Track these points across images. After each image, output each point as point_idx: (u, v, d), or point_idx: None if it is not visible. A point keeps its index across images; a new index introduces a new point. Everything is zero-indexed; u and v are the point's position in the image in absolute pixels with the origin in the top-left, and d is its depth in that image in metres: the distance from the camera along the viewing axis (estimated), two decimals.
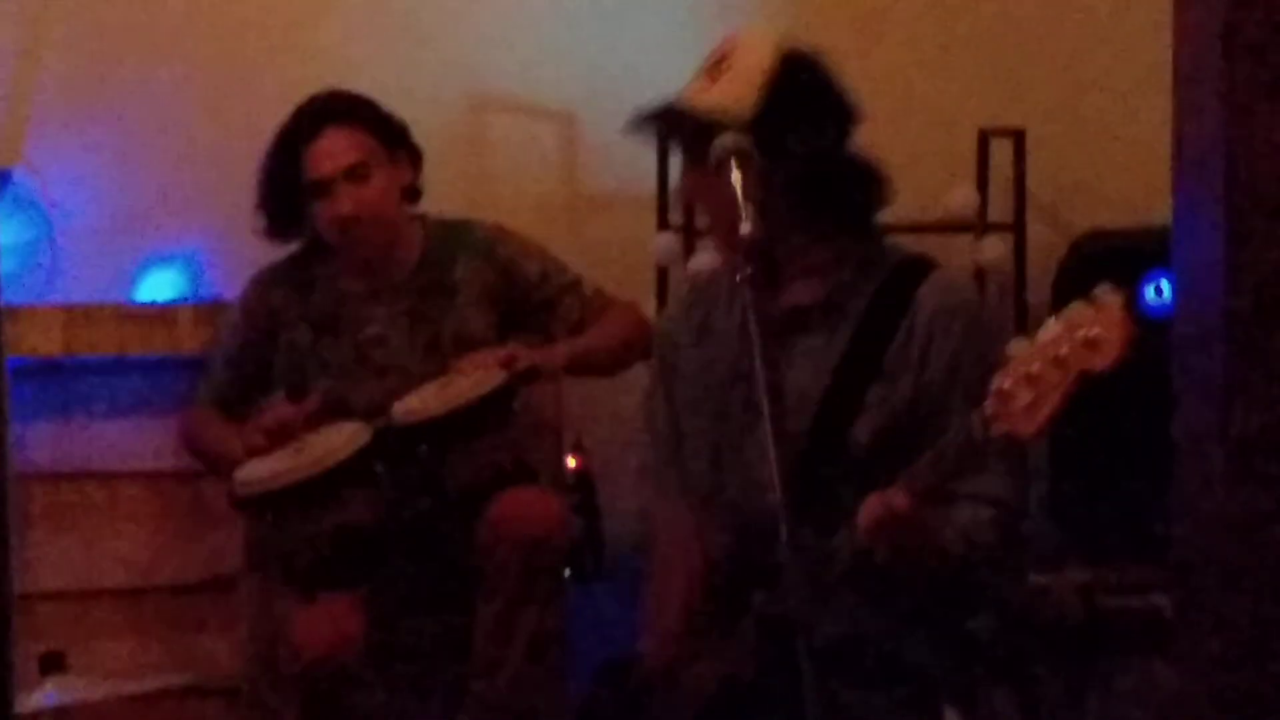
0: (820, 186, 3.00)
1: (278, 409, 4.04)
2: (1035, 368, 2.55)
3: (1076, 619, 4.55)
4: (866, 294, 3.02)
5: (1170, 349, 1.53)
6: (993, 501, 2.92)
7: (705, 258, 4.45)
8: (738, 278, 2.66)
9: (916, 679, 3.01)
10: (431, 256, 4.14)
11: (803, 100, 2.98)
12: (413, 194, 4.18)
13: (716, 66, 2.97)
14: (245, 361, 4.16)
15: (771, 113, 2.93)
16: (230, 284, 4.51)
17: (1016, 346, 2.61)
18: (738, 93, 2.93)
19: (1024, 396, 2.55)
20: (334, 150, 4.03)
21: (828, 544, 2.89)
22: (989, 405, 2.61)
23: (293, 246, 4.20)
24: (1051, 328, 2.55)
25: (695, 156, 2.97)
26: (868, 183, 3.06)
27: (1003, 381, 2.59)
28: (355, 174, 4.03)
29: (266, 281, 4.18)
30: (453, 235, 4.17)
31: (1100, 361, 2.41)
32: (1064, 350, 2.50)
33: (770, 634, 2.88)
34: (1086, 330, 2.47)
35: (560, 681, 4.04)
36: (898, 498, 2.74)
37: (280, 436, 3.95)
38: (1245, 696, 1.47)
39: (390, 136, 4.11)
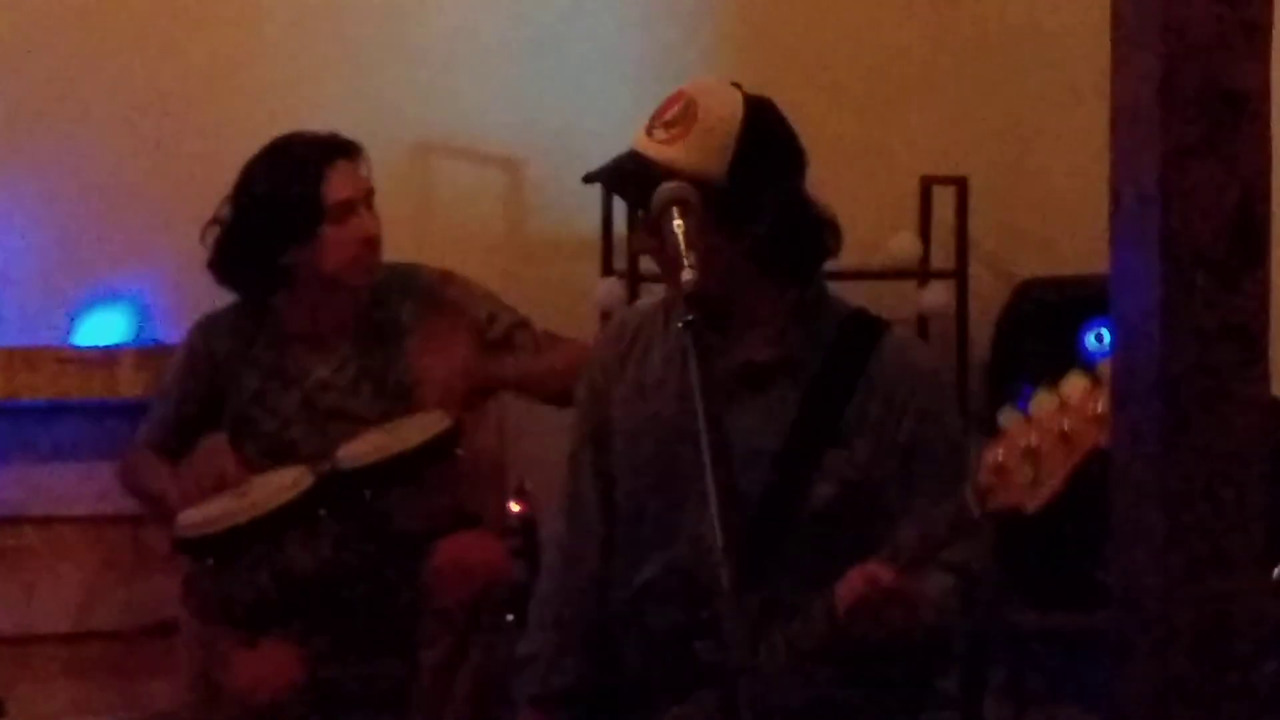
0: (786, 240, 2.98)
1: (218, 455, 4.02)
2: (1034, 441, 2.53)
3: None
4: (820, 351, 2.99)
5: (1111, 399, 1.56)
6: (959, 569, 2.89)
7: (649, 303, 4.46)
8: (680, 324, 2.65)
9: None
10: (378, 301, 4.13)
11: (771, 154, 2.97)
12: None
13: (681, 120, 2.91)
14: (187, 405, 4.14)
15: (744, 170, 2.91)
16: (173, 327, 4.50)
17: (1007, 418, 2.60)
18: (708, 151, 2.89)
19: (1023, 471, 2.54)
20: (355, 174, 4.03)
21: (795, 617, 2.84)
22: (983, 478, 2.60)
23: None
24: (1047, 401, 2.54)
25: (646, 213, 2.90)
26: (824, 233, 3.05)
27: (996, 454, 2.58)
28: (370, 199, 4.04)
29: (212, 327, 4.17)
30: (398, 279, 4.16)
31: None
32: (1068, 425, 2.48)
33: (712, 682, 2.85)
34: (1095, 405, 2.45)
35: None
36: (883, 573, 2.70)
37: (224, 481, 3.95)
38: None
39: None
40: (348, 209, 4.00)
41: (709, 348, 2.85)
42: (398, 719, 3.98)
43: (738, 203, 2.90)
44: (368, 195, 4.04)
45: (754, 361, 2.99)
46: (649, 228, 2.87)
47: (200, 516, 3.91)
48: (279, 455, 4.03)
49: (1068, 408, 2.50)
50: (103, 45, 4.75)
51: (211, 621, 4.18)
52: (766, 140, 2.96)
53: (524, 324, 4.18)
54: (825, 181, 4.46)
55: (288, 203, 3.98)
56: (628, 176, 2.94)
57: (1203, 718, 1.53)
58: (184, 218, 4.33)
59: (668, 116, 2.92)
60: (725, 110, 2.93)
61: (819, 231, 3.04)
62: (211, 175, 4.14)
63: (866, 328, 3.05)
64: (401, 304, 4.13)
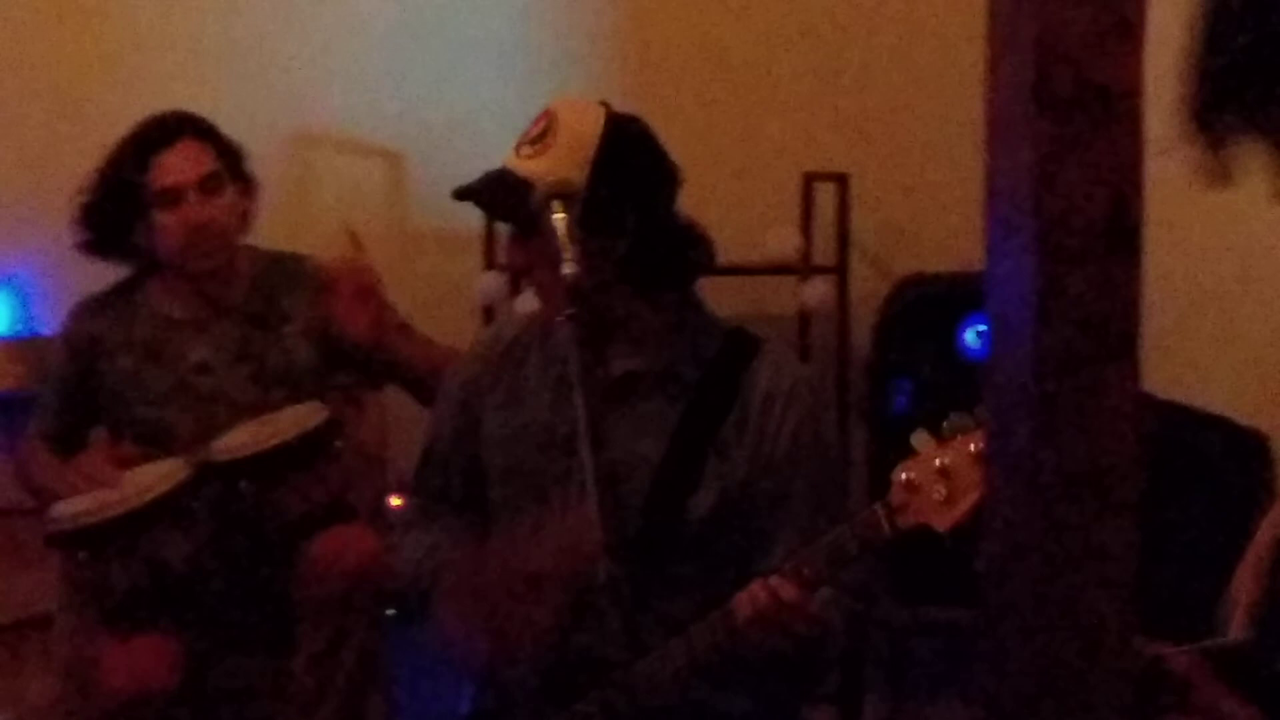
0: (651, 254, 2.99)
1: (93, 456, 3.98)
2: (948, 460, 2.56)
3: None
4: (699, 365, 3.01)
5: (984, 392, 1.56)
6: (853, 587, 2.92)
7: (531, 298, 4.46)
8: (559, 318, 2.66)
9: None
10: (259, 287, 4.11)
11: (631, 170, 2.98)
12: (245, 223, 4.15)
13: (542, 137, 2.95)
14: (72, 393, 4.10)
15: (603, 183, 2.92)
16: (51, 317, 4.45)
17: (919, 439, 2.62)
18: (569, 164, 2.92)
19: (937, 489, 2.56)
20: (189, 159, 3.99)
21: (690, 625, 2.84)
22: (895, 496, 2.62)
23: (123, 273, 4.15)
24: (960, 424, 2.56)
25: (524, 226, 2.95)
26: (694, 247, 3.06)
27: (908, 473, 2.60)
28: (208, 185, 3.99)
29: (88, 310, 4.13)
30: (281, 268, 4.14)
31: None
32: (982, 446, 2.48)
33: (590, 674, 2.86)
34: None
35: None
36: (786, 588, 2.72)
37: (98, 484, 3.91)
38: None
39: (234, 162, 4.08)
40: (175, 195, 3.98)
41: (589, 356, 2.89)
42: (273, 713, 3.96)
43: (598, 214, 2.90)
44: (203, 180, 3.99)
45: (633, 371, 3.01)
46: (519, 239, 2.95)
47: (72, 509, 3.87)
48: (154, 438, 4.00)
49: (981, 429, 2.52)
50: None
51: (85, 616, 4.14)
52: (626, 155, 2.97)
53: (403, 327, 4.17)
54: (707, 177, 4.46)
55: (119, 186, 3.99)
56: (495, 192, 2.98)
57: (1077, 711, 1.54)
58: (59, 205, 4.28)
59: (532, 134, 2.97)
60: (586, 125, 2.97)
61: (685, 247, 3.05)
62: (86, 163, 4.10)
63: (744, 343, 3.07)
64: (284, 292, 4.11)
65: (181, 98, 4.23)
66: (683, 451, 2.97)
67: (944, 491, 2.57)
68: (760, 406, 2.98)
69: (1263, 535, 2.33)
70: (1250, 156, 1.87)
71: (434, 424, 3.27)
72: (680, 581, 2.91)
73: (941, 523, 2.59)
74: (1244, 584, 2.30)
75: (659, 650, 2.83)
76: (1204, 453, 3.77)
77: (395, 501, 4.39)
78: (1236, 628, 2.29)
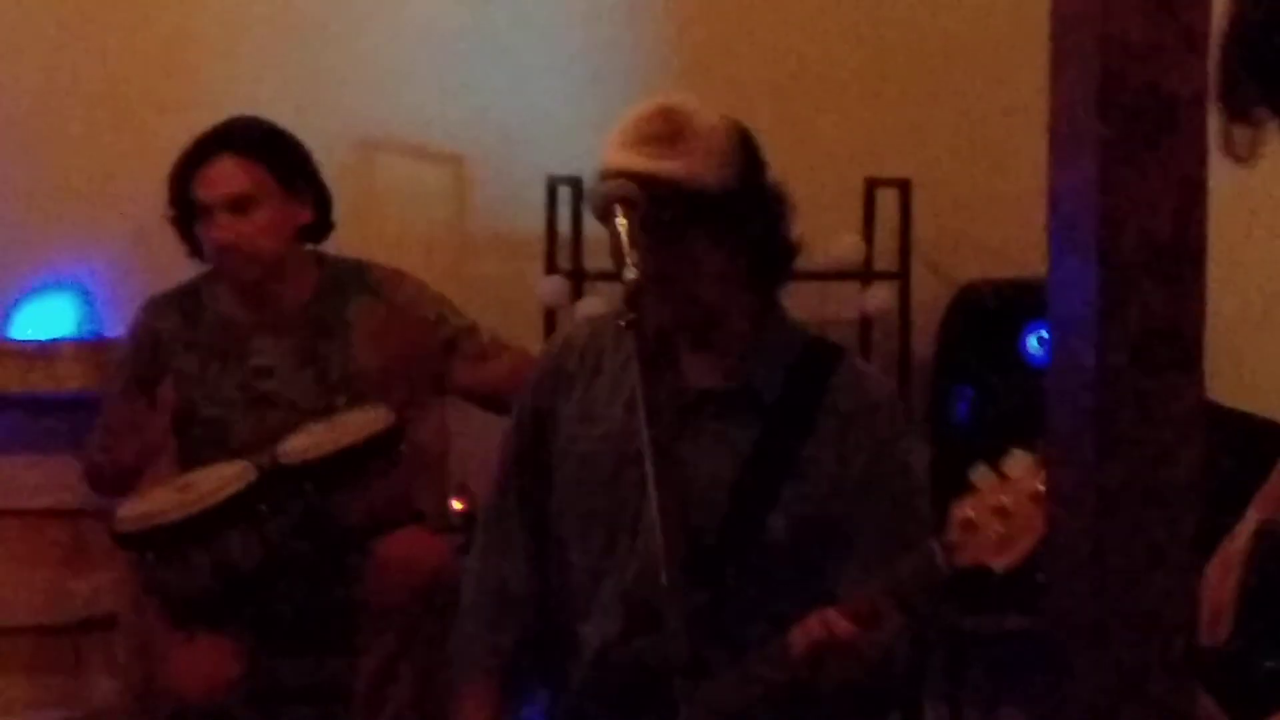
0: (771, 251, 2.97)
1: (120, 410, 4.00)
2: (1008, 500, 2.54)
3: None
4: (777, 381, 2.96)
5: (1045, 401, 1.56)
6: (910, 608, 2.83)
7: (593, 301, 4.47)
8: (621, 323, 2.64)
9: None
10: (324, 294, 4.13)
11: (759, 165, 2.95)
12: (312, 233, 4.16)
13: (673, 137, 2.84)
14: (137, 393, 4.12)
15: (744, 178, 2.89)
16: (118, 318, 4.48)
17: (979, 476, 2.59)
18: (712, 160, 2.85)
19: (994, 528, 2.54)
20: (219, 178, 4.02)
21: (750, 655, 2.83)
22: (953, 534, 2.59)
23: (187, 274, 4.18)
24: (1021, 460, 2.54)
25: (660, 227, 2.82)
26: (792, 261, 3.04)
27: (966, 511, 2.58)
28: (238, 204, 4.01)
29: (155, 309, 4.16)
30: (347, 275, 4.17)
31: None
32: (1042, 486, 2.45)
33: (651, 680, 2.83)
34: None
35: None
36: (841, 624, 2.69)
37: (133, 433, 3.92)
38: None
39: (288, 172, 4.09)
40: (206, 212, 4.01)
41: (659, 366, 2.87)
42: (338, 715, 3.97)
43: (739, 211, 2.88)
44: (232, 200, 4.01)
45: (712, 390, 2.97)
46: (658, 246, 2.79)
47: (140, 510, 3.89)
48: (217, 439, 4.02)
49: (1043, 469, 2.49)
50: (42, 36, 4.73)
51: (150, 616, 4.17)
52: (754, 149, 2.95)
53: (471, 330, 4.17)
54: None
55: (178, 196, 4.03)
56: (649, 193, 2.80)
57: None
58: (124, 209, 4.33)
59: (652, 131, 2.86)
60: (713, 122, 2.90)
61: (790, 260, 3.03)
62: (150, 168, 4.13)
63: (823, 356, 3.02)
64: (349, 299, 4.13)
65: (247, 103, 4.26)
66: (760, 471, 2.92)
67: (1002, 531, 2.55)
68: (840, 426, 2.94)
69: (1243, 527, 2.30)
70: (1273, 133, 1.87)
71: (511, 438, 3.19)
72: (752, 603, 2.88)
73: (998, 563, 2.56)
74: (1215, 581, 2.27)
75: (716, 684, 2.79)
76: (1268, 461, 3.74)
77: (456, 505, 4.42)
78: (1209, 627, 2.27)
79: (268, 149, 4.07)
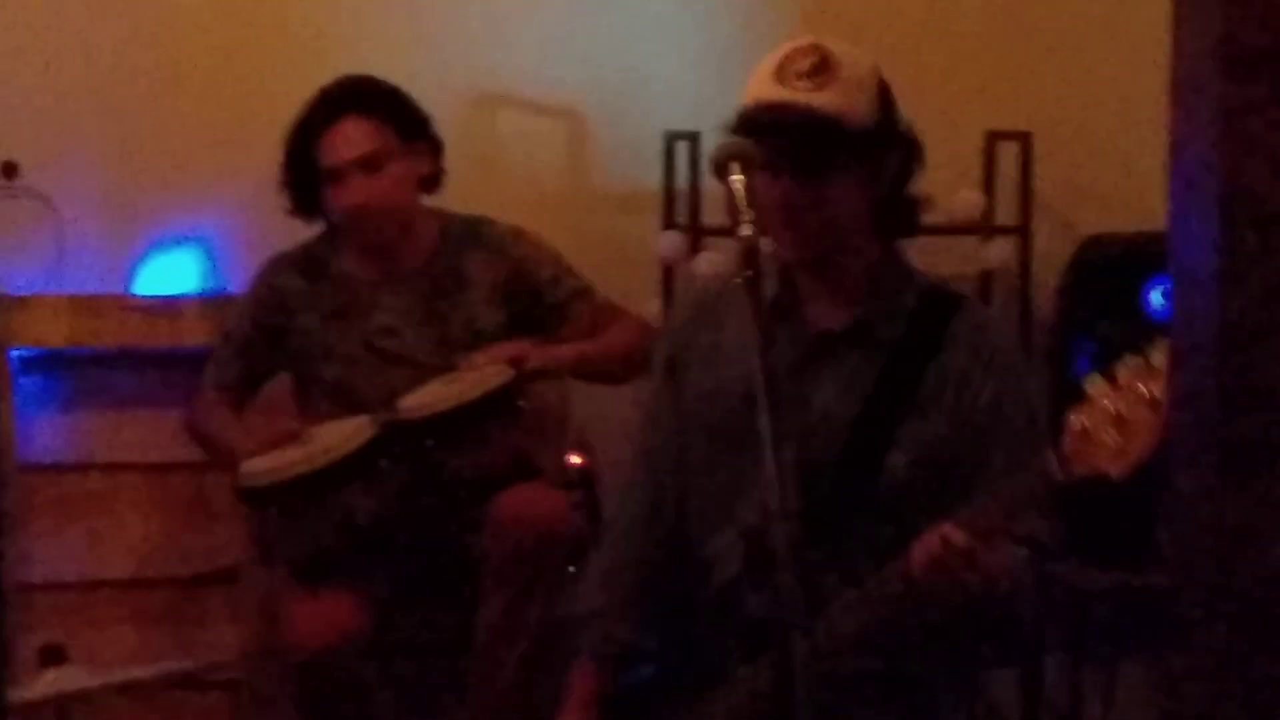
0: (895, 203, 2.98)
1: (280, 419, 4.04)
2: (1122, 407, 2.52)
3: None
4: (899, 323, 2.97)
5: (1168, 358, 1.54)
6: (1032, 541, 2.86)
7: (710, 257, 4.46)
8: (738, 280, 2.64)
9: (918, 694, 2.99)
10: (445, 250, 4.14)
11: (896, 120, 2.98)
12: (431, 183, 4.18)
13: (822, 70, 2.86)
14: (254, 349, 4.15)
15: (886, 117, 2.93)
16: (241, 275, 4.52)
17: (1093, 385, 2.59)
18: (859, 95, 2.88)
19: (1110, 436, 2.53)
20: (349, 139, 4.04)
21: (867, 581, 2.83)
22: (1068, 444, 2.58)
23: (309, 231, 4.21)
24: (1133, 366, 2.53)
25: (803, 159, 2.87)
26: (919, 208, 3.06)
27: (1081, 421, 2.57)
28: (368, 164, 4.03)
29: (277, 267, 4.19)
30: (468, 231, 4.18)
31: None
32: (1156, 391, 2.45)
33: (761, 639, 2.84)
34: None
35: (562, 678, 4.04)
36: (958, 534, 2.68)
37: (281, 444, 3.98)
38: (1235, 705, 1.48)
39: (409, 127, 4.11)
40: (336, 175, 4.02)
41: (783, 311, 2.92)
42: (457, 669, 4.00)
43: (879, 148, 2.92)
44: (362, 160, 4.02)
45: (831, 331, 2.98)
46: (801, 179, 2.86)
47: (263, 466, 3.92)
48: (340, 398, 4.05)
49: (1155, 374, 2.48)
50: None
51: (273, 570, 4.21)
52: (893, 107, 2.97)
53: (585, 293, 4.18)
54: None
55: (297, 159, 4.05)
56: (793, 127, 2.86)
57: (1258, 682, 1.52)
58: (246, 166, 4.36)
59: (803, 67, 2.87)
60: (861, 60, 2.93)
61: (916, 211, 3.05)
62: (270, 124, 4.16)
63: (944, 300, 3.03)
64: (468, 255, 4.14)
65: (365, 60, 4.27)
66: (879, 410, 2.92)
67: (1117, 438, 2.53)
68: (961, 366, 2.93)
69: None
70: None
71: (651, 398, 3.22)
72: (869, 543, 2.88)
73: (1115, 470, 2.55)
74: None
75: (836, 607, 2.81)
76: None
77: (574, 460, 4.43)
78: None
79: (387, 105, 4.09)
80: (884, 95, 2.94)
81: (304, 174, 4.09)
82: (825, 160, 2.87)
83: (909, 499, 2.90)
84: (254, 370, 4.19)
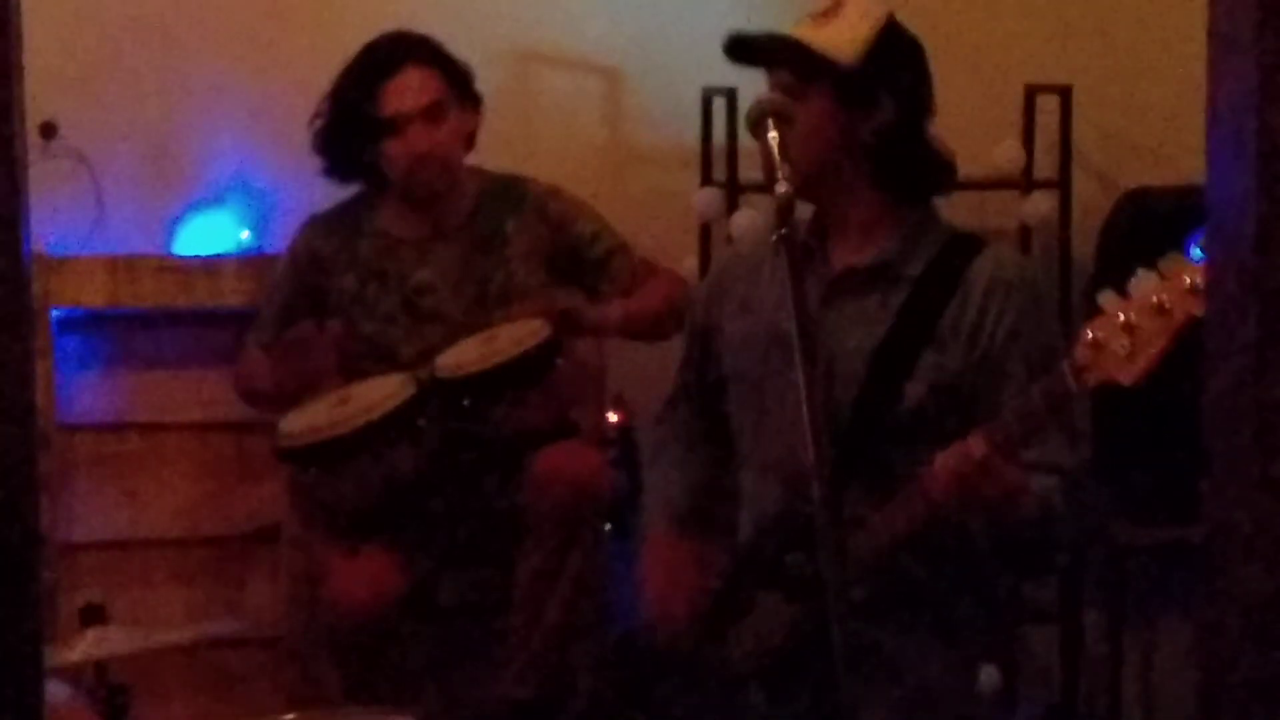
0: (894, 151, 3.02)
1: (313, 355, 4.03)
2: (1131, 317, 2.55)
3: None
4: (920, 262, 3.03)
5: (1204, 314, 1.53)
6: (1056, 469, 2.90)
7: (748, 214, 4.45)
8: (773, 237, 2.65)
9: (959, 633, 3.02)
10: (484, 209, 4.14)
11: (899, 64, 3.04)
12: (470, 141, 4.18)
13: (831, 10, 3.00)
14: (295, 309, 4.15)
15: (873, 65, 2.99)
16: (278, 232, 4.53)
17: (1105, 298, 2.61)
18: (847, 37, 2.98)
19: (1120, 345, 2.55)
20: (415, 87, 4.03)
21: (883, 506, 2.88)
22: (1080, 354, 2.61)
23: (346, 192, 4.21)
24: (1146, 279, 2.55)
25: (790, 89, 3.00)
26: (935, 165, 3.10)
27: (1094, 331, 2.60)
28: (432, 113, 4.03)
29: (315, 228, 4.19)
30: (506, 190, 4.17)
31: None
32: (1165, 298, 2.50)
33: (803, 595, 2.88)
34: (1191, 278, 2.48)
35: (600, 634, 4.06)
36: (976, 446, 2.72)
37: (304, 351, 3.96)
38: (1271, 652, 1.47)
39: (460, 82, 4.11)
40: (402, 123, 4.01)
41: (811, 253, 2.98)
42: (496, 627, 4.01)
43: (860, 92, 2.98)
44: (427, 109, 4.02)
45: (854, 267, 3.03)
46: (777, 91, 3.00)
47: (302, 425, 3.93)
48: (379, 356, 4.06)
49: (1164, 282, 2.52)
50: None
51: (313, 529, 4.22)
52: (899, 48, 3.05)
53: (623, 249, 4.18)
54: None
55: (352, 112, 4.04)
56: (767, 43, 3.05)
57: None
58: (285, 123, 4.35)
59: (819, 8, 3.01)
60: (873, 9, 3.03)
61: (930, 159, 3.09)
62: (312, 80, 4.16)
63: (968, 243, 3.08)
64: (507, 214, 4.14)
65: (403, 19, 4.26)
66: (899, 342, 2.98)
67: (1128, 346, 2.55)
68: (980, 298, 2.98)
69: None
70: None
71: (684, 348, 3.35)
72: (888, 471, 2.91)
73: (1126, 377, 2.58)
74: None
75: (856, 528, 2.85)
76: None
77: (612, 418, 4.43)
78: None
79: (444, 59, 4.09)
80: (881, 40, 3.01)
81: (354, 128, 4.07)
82: (800, 85, 2.97)
83: (928, 428, 2.94)
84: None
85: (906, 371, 2.97)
